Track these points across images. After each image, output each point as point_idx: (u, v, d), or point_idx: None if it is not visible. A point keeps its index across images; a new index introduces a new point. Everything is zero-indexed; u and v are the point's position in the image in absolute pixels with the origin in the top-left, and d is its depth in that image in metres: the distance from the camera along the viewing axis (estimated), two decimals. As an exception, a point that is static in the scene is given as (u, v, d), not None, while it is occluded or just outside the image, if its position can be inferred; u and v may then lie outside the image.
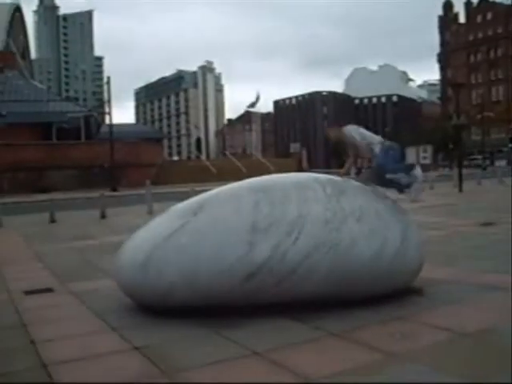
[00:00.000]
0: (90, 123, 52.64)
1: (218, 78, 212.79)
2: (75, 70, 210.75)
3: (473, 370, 3.79)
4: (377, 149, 6.14)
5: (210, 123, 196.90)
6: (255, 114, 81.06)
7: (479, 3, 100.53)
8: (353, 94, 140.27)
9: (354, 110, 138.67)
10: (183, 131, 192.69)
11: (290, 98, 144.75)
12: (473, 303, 5.53)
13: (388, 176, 6.09)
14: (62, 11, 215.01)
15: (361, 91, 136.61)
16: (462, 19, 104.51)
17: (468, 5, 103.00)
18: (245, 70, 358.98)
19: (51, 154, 43.03)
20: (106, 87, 48.57)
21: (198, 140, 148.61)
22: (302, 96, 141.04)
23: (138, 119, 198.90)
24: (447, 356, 4.05)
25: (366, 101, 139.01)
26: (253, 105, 72.33)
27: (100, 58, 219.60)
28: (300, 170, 52.89)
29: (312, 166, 78.00)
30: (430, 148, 68.06)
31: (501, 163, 68.13)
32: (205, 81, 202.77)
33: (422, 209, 15.17)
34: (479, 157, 76.34)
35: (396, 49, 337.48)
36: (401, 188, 6.20)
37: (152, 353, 4.35)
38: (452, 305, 5.48)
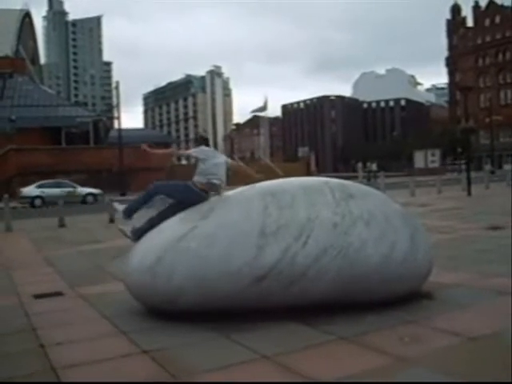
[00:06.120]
0: (99, 128, 52.78)
1: (226, 83, 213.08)
2: (84, 75, 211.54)
3: (483, 374, 3.77)
4: None
5: (218, 127, 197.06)
6: (263, 118, 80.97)
7: (487, 7, 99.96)
8: (361, 97, 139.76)
9: (362, 113, 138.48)
10: (191, 135, 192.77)
11: (298, 102, 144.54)
12: (482, 307, 5.50)
13: None
14: (71, 17, 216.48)
15: (369, 95, 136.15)
16: (469, 23, 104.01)
17: (476, 8, 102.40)
18: (253, 74, 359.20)
19: (61, 159, 43.17)
20: (114, 92, 48.77)
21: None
22: (310, 100, 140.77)
23: (146, 124, 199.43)
24: (457, 360, 4.03)
25: (374, 105, 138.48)
26: (259, 110, 72.16)
27: (109, 63, 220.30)
28: (309, 174, 52.79)
29: (320, 170, 77.88)
30: (438, 152, 67.93)
31: (509, 167, 67.69)
32: (213, 85, 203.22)
33: (431, 213, 15.12)
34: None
35: (404, 52, 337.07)
36: None
37: (161, 356, 4.36)
38: (461, 309, 5.46)
